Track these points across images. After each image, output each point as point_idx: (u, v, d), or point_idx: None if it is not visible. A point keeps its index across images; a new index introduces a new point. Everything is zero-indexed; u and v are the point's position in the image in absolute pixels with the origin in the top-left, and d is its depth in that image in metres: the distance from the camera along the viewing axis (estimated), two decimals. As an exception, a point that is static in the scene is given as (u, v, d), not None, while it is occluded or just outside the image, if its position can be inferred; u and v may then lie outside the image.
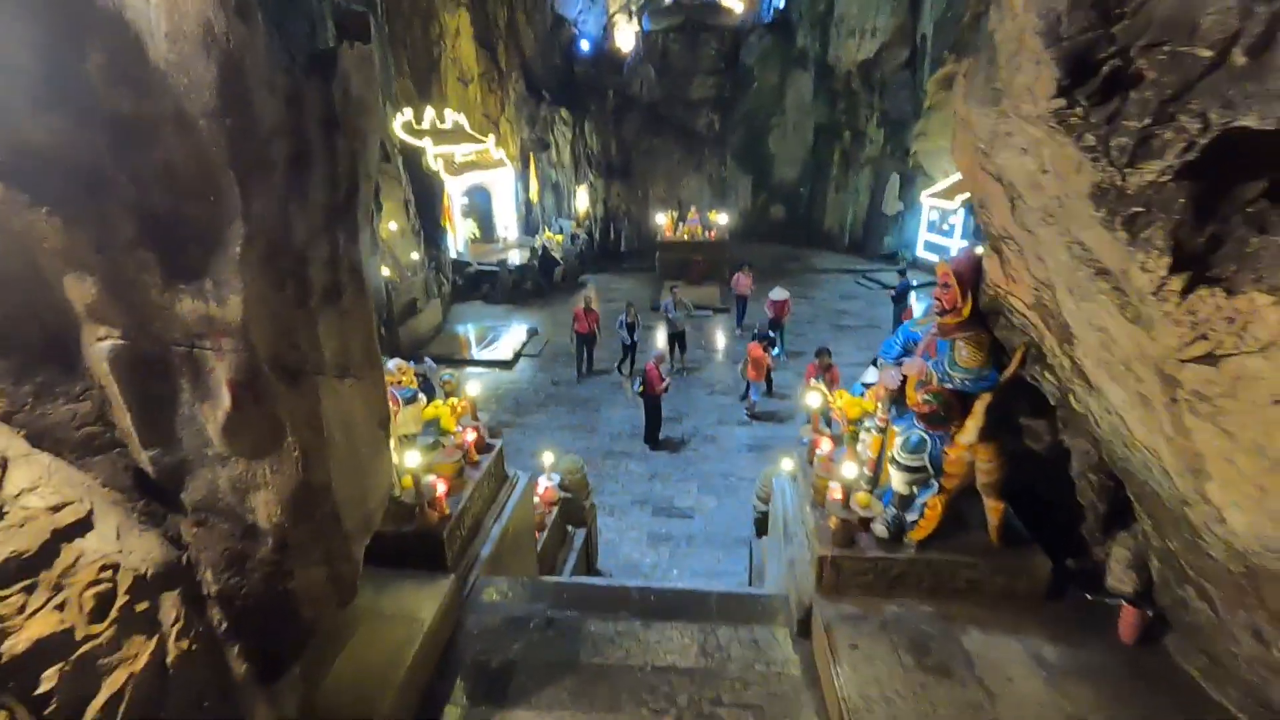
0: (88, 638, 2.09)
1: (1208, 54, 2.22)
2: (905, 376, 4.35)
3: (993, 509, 4.14)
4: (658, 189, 24.06)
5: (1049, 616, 4.04)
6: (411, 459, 4.58)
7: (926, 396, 4.05)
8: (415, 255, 15.01)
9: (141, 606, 2.30)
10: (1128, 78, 2.45)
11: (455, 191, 18.14)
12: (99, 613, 2.15)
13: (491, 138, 19.54)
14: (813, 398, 5.51)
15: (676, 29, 23.72)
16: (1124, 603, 3.86)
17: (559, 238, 20.06)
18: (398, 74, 16.79)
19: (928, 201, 19.33)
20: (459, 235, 18.71)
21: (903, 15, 20.07)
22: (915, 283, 15.20)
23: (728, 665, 4.12)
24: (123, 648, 2.19)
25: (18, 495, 2.13)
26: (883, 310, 16.07)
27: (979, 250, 4.14)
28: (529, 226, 21.46)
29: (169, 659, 2.35)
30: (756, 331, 12.35)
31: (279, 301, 2.61)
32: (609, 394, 12.40)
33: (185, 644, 2.42)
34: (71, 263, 2.27)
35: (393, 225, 14.40)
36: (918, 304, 14.46)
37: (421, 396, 5.15)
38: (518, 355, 13.98)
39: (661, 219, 20.04)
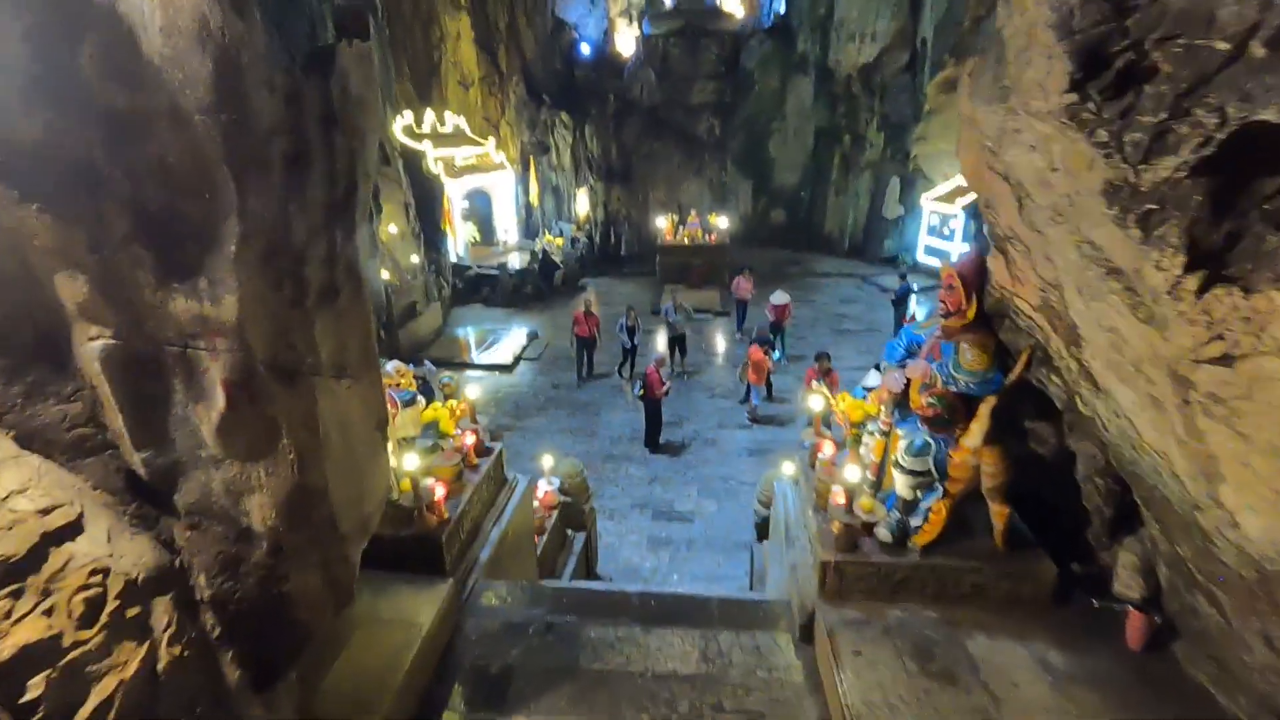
0: (76, 644, 2.04)
1: (1225, 47, 2.18)
2: (909, 379, 4.32)
3: (998, 513, 4.10)
4: (658, 193, 24.01)
5: (1055, 622, 3.99)
6: (410, 462, 4.54)
7: (931, 400, 4.01)
8: (415, 258, 15.00)
9: (132, 611, 2.24)
10: (1142, 72, 2.41)
11: (455, 195, 18.11)
12: (88, 618, 2.09)
13: (492, 141, 19.52)
14: (815, 401, 5.47)
15: (677, 33, 23.71)
16: (1131, 608, 3.82)
17: (559, 241, 20.02)
18: (398, 77, 16.78)
19: (928, 205, 19.34)
20: (459, 238, 18.68)
21: (903, 19, 20.10)
22: (916, 286, 15.17)
23: (729, 671, 4.07)
24: (113, 654, 2.13)
25: (6, 498, 2.08)
26: (883, 314, 16.05)
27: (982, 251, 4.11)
28: (529, 230, 21.44)
29: (160, 665, 2.30)
30: (756, 335, 12.32)
31: (275, 301, 2.57)
32: (609, 397, 12.37)
33: (177, 650, 2.37)
34: (63, 260, 2.23)
35: (393, 228, 14.39)
36: (919, 308, 14.43)
37: (420, 399, 5.13)
38: (517, 358, 13.95)
39: (662, 223, 20.00)
